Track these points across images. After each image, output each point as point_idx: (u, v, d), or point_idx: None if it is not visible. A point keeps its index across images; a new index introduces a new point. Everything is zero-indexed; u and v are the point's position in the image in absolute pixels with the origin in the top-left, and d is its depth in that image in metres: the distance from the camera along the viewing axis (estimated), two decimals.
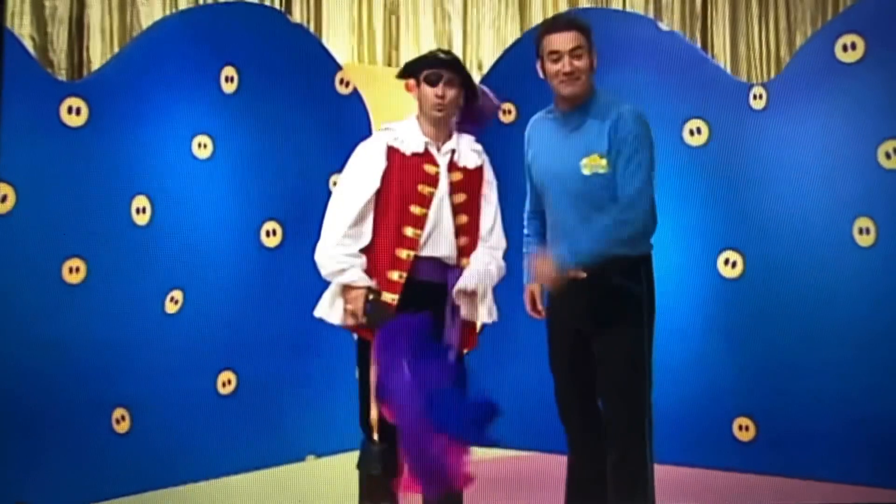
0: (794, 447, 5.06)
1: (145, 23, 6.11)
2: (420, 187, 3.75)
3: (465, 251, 3.83)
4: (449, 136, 3.84)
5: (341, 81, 5.64)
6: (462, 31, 7.73)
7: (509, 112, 5.63)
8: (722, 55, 8.80)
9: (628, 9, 8.29)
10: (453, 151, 3.83)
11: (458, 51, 7.75)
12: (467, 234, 3.84)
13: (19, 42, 4.87)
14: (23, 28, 5.85)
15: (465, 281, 3.77)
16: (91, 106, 4.74)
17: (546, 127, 3.83)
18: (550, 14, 7.73)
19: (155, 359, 4.93)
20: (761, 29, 8.92)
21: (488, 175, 3.91)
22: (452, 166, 3.82)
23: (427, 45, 7.40)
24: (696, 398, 5.20)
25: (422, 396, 3.53)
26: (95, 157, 4.77)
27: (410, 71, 3.86)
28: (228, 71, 5.21)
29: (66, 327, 4.66)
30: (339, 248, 3.71)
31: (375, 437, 3.74)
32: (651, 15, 8.33)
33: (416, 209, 3.73)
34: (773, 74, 8.52)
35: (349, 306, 3.71)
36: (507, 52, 5.98)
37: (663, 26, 5.82)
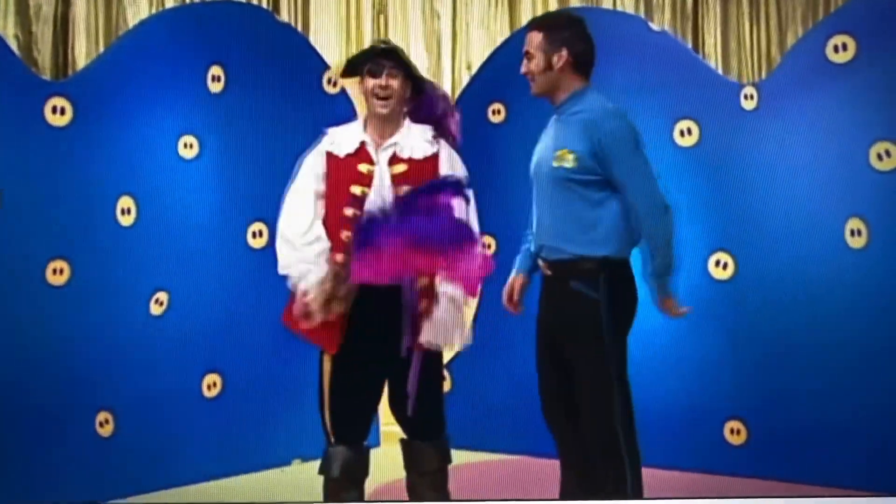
0: (786, 451, 5.03)
1: (131, 21, 6.08)
2: (352, 188, 3.69)
3: None
4: (396, 131, 3.76)
5: (329, 81, 5.60)
6: (451, 30, 7.70)
7: (498, 112, 5.60)
8: (713, 54, 8.78)
9: (619, 8, 8.25)
10: (396, 144, 3.76)
11: (446, 50, 7.72)
12: None
13: (3, 41, 4.81)
14: (7, 27, 5.83)
15: (429, 338, 3.70)
16: (76, 105, 4.70)
17: (548, 122, 3.89)
18: (540, 13, 7.69)
19: (139, 361, 4.89)
20: (752, 28, 8.90)
21: (446, 165, 3.81)
22: (394, 159, 3.74)
23: (415, 44, 7.37)
24: (687, 401, 5.18)
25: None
26: (80, 157, 4.73)
27: (353, 68, 3.81)
28: (215, 70, 5.17)
29: (50, 329, 4.63)
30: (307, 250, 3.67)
31: (332, 439, 3.74)
32: (642, 14, 8.29)
33: (348, 211, 3.68)
34: (764, 74, 8.49)
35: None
36: (497, 52, 5.94)
37: (654, 26, 5.81)
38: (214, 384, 5.22)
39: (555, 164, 3.70)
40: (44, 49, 5.95)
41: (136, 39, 5.06)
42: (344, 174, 3.71)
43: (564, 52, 3.73)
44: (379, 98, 3.73)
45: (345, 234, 3.68)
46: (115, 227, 4.83)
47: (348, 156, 3.72)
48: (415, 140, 3.78)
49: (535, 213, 3.85)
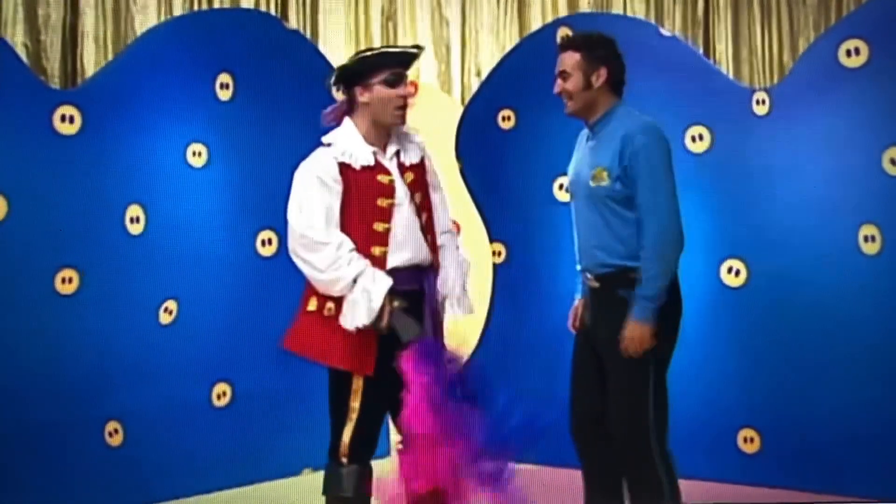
0: (799, 459, 4.99)
1: (139, 30, 6.10)
2: (379, 201, 3.59)
3: (434, 248, 3.74)
4: (389, 137, 3.69)
5: (337, 88, 5.57)
6: (460, 36, 7.69)
7: (508, 119, 5.57)
8: (724, 60, 8.76)
9: (629, 14, 8.24)
10: (398, 152, 3.70)
11: (455, 57, 7.71)
12: (432, 231, 3.74)
13: (12, 50, 4.83)
14: (16, 36, 5.84)
15: (447, 288, 3.71)
16: (84, 114, 4.70)
17: (581, 138, 3.96)
18: (549, 19, 7.69)
19: (148, 370, 4.88)
20: (763, 34, 8.88)
21: (430, 164, 3.78)
22: (402, 168, 3.68)
23: (425, 50, 7.34)
24: (700, 409, 5.13)
25: (463, 418, 3.46)
26: (89, 166, 4.73)
27: (362, 73, 3.62)
28: (224, 78, 5.16)
29: (58, 338, 4.62)
30: (346, 256, 3.51)
31: (344, 459, 3.64)
32: (652, 20, 8.29)
33: (378, 226, 3.58)
34: (775, 80, 8.47)
35: (385, 307, 3.51)
36: (506, 58, 5.91)
37: (665, 31, 5.77)
38: (224, 393, 5.20)
39: (592, 183, 3.75)
40: (52, 58, 5.96)
41: (145, 48, 5.05)
42: (366, 187, 3.59)
43: (604, 71, 3.79)
44: (400, 108, 3.63)
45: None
46: (124, 236, 4.82)
47: (365, 168, 3.61)
48: (409, 145, 3.74)
49: (577, 231, 3.90)
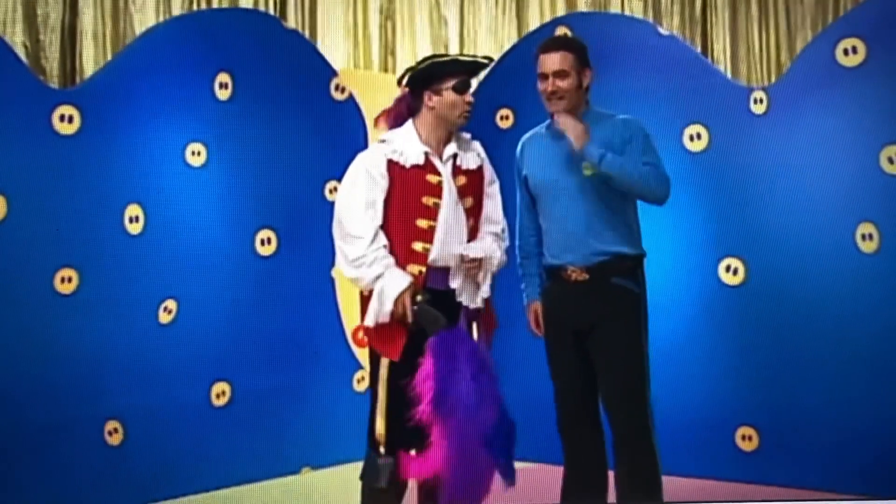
0: (798, 457, 5.00)
1: (138, 30, 6.07)
2: (425, 199, 3.72)
3: None
4: (448, 140, 3.81)
5: (337, 87, 5.58)
6: (458, 35, 7.68)
7: (507, 118, 5.58)
8: (722, 59, 8.76)
9: (627, 13, 8.24)
10: (455, 156, 3.81)
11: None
12: (478, 236, 3.85)
13: (11, 49, 4.82)
14: (15, 35, 5.81)
15: (473, 250, 3.75)
16: (83, 114, 4.70)
17: (541, 142, 3.99)
18: (548, 18, 7.69)
19: (148, 370, 4.88)
20: (761, 33, 8.88)
21: (489, 174, 3.91)
22: (456, 171, 3.80)
23: (423, 50, 7.35)
24: (698, 407, 5.14)
25: (481, 410, 3.61)
26: (88, 166, 4.73)
27: (434, 78, 3.77)
28: (222, 77, 5.16)
29: (58, 338, 4.62)
30: (371, 255, 3.66)
31: (382, 450, 3.71)
32: (650, 19, 8.28)
33: (422, 222, 3.71)
34: (773, 79, 8.47)
35: (397, 308, 3.65)
36: (505, 57, 5.91)
37: (662, 30, 5.77)
38: (223, 393, 5.20)
39: (587, 172, 3.80)
40: (51, 57, 5.94)
41: (144, 47, 5.05)
42: (413, 185, 3.72)
43: (589, 73, 3.89)
44: (466, 112, 3.78)
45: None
46: (123, 236, 4.82)
47: (415, 166, 3.73)
48: (468, 151, 3.86)
49: (559, 228, 3.90)
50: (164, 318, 4.96)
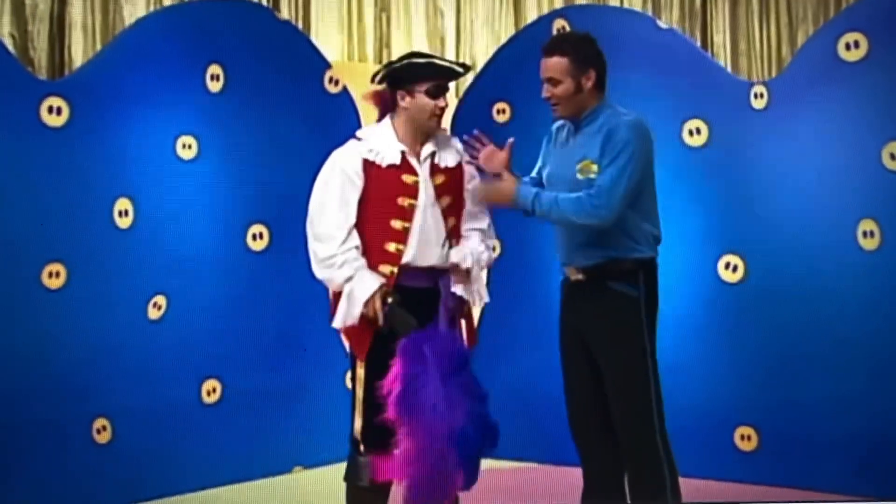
0: (797, 457, 4.97)
1: (128, 20, 6.07)
2: (400, 200, 3.67)
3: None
4: (427, 139, 3.75)
5: (330, 80, 5.53)
6: (455, 28, 7.65)
7: (503, 112, 5.53)
8: (722, 53, 8.74)
9: (626, 6, 8.21)
10: (433, 154, 3.76)
11: (450, 48, 7.66)
12: (457, 237, 3.79)
13: None
14: (3, 26, 5.82)
15: (459, 257, 3.72)
16: (72, 106, 4.65)
17: (559, 133, 3.91)
18: (546, 10, 7.67)
19: (137, 366, 4.84)
20: (762, 26, 8.86)
21: (469, 169, 3.85)
22: (434, 169, 3.74)
23: (419, 42, 7.33)
24: (697, 406, 5.10)
25: (448, 411, 3.56)
26: (76, 159, 4.68)
27: (408, 79, 3.70)
28: (214, 69, 5.10)
29: (46, 333, 4.58)
30: (341, 257, 3.63)
31: (362, 448, 3.72)
32: (650, 12, 8.26)
33: (396, 223, 3.67)
34: (774, 73, 8.45)
35: (367, 311, 3.63)
36: (501, 50, 5.87)
37: (662, 24, 5.74)
38: (214, 390, 5.15)
39: (579, 176, 3.71)
40: (40, 48, 5.92)
41: (134, 38, 4.99)
42: (388, 185, 3.67)
43: (592, 73, 3.75)
44: (436, 117, 3.73)
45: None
46: (113, 230, 4.77)
47: (391, 166, 3.68)
48: (447, 149, 3.80)
49: (558, 226, 3.85)
50: (154, 313, 4.91)
